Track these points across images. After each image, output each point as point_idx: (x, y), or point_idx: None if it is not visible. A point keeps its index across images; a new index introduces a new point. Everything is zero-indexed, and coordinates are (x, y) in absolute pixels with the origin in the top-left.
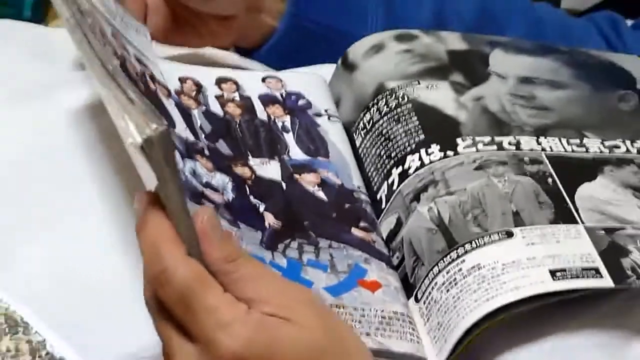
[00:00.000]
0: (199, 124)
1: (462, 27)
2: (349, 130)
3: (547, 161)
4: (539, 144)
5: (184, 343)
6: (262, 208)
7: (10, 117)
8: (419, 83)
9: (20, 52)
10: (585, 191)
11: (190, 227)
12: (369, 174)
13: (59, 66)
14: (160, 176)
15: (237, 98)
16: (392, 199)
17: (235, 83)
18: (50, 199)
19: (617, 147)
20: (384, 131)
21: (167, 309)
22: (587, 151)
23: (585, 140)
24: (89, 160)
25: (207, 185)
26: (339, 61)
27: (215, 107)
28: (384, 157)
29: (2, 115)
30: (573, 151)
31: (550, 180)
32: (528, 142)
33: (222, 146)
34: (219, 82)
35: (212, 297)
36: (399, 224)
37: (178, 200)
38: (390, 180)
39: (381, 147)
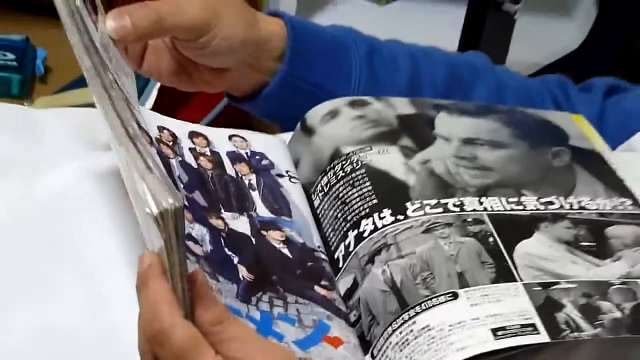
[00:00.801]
0: (177, 174)
1: (434, 92)
2: (307, 191)
3: (488, 221)
4: (481, 204)
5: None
6: (236, 260)
7: None
8: (371, 149)
9: (5, 132)
10: (523, 249)
11: (185, 290)
12: (327, 234)
13: (45, 147)
14: (168, 245)
15: (208, 153)
16: (349, 260)
17: (206, 138)
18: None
19: (552, 203)
20: (340, 195)
21: (152, 342)
22: (524, 209)
23: (523, 199)
24: (72, 228)
25: (189, 236)
26: (298, 125)
27: (190, 159)
28: (341, 219)
29: None
30: (512, 210)
31: (491, 239)
32: (471, 203)
33: (199, 197)
34: (192, 135)
35: (203, 357)
36: (355, 284)
37: (180, 267)
38: (347, 242)
39: (338, 210)
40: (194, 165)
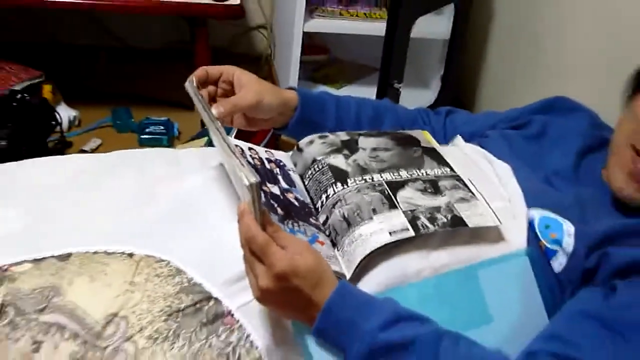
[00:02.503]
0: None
1: (366, 124)
2: (301, 177)
3: (385, 184)
4: (381, 177)
5: (259, 265)
6: (275, 205)
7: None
8: (329, 156)
9: (163, 163)
10: (401, 194)
11: (259, 219)
12: (312, 196)
13: (184, 167)
14: (253, 200)
15: (257, 157)
16: (323, 207)
17: (256, 152)
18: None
19: (413, 174)
20: (316, 178)
21: (252, 252)
22: (400, 177)
23: (400, 172)
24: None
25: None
26: (295, 147)
27: (251, 160)
28: (318, 189)
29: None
30: (395, 179)
31: (386, 192)
32: (377, 177)
33: (262, 177)
34: (249, 149)
35: (271, 247)
36: (326, 218)
37: (258, 207)
38: (321, 199)
39: (316, 185)
40: (252, 162)
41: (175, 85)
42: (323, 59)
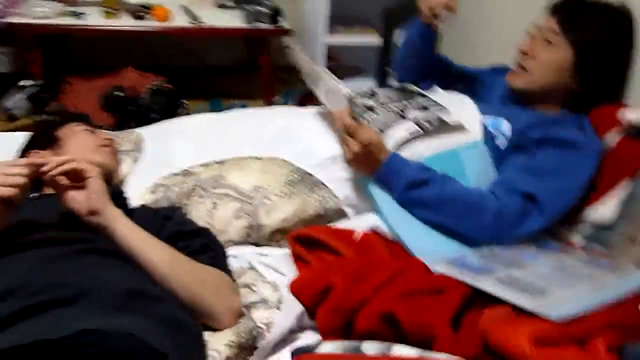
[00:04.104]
0: None
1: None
2: None
3: (397, 109)
4: (393, 106)
5: (351, 139)
6: None
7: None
8: (363, 99)
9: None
10: (406, 113)
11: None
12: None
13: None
14: (349, 107)
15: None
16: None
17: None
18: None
19: (411, 103)
20: (357, 113)
21: (348, 132)
22: (404, 106)
23: (403, 102)
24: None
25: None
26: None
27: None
28: (358, 116)
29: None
30: (401, 107)
31: (399, 112)
32: (391, 106)
33: None
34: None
35: (359, 128)
36: None
37: (350, 113)
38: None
39: (357, 114)
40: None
41: (244, 87)
42: (333, 63)
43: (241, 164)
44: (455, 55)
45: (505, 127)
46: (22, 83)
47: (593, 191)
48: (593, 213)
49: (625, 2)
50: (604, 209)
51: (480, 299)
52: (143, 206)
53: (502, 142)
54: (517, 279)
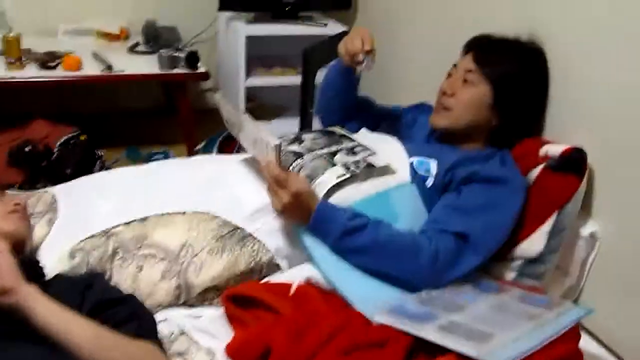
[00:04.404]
0: None
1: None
2: None
3: (325, 154)
4: (322, 151)
5: (281, 189)
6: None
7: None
8: (288, 145)
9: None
10: (336, 158)
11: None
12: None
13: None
14: (277, 155)
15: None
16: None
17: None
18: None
19: (338, 147)
20: (284, 158)
21: (277, 183)
22: (331, 150)
23: (331, 147)
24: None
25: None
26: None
27: None
28: (287, 163)
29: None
30: (329, 151)
31: (327, 158)
32: (319, 152)
33: None
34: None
35: (290, 177)
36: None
37: (279, 161)
38: (291, 169)
39: (284, 161)
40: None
41: (163, 132)
42: (253, 104)
43: (166, 221)
44: (374, 94)
45: (433, 166)
46: None
47: (522, 226)
48: (523, 248)
49: (535, 38)
50: (533, 243)
51: (425, 348)
52: (59, 275)
53: (430, 182)
54: (458, 324)
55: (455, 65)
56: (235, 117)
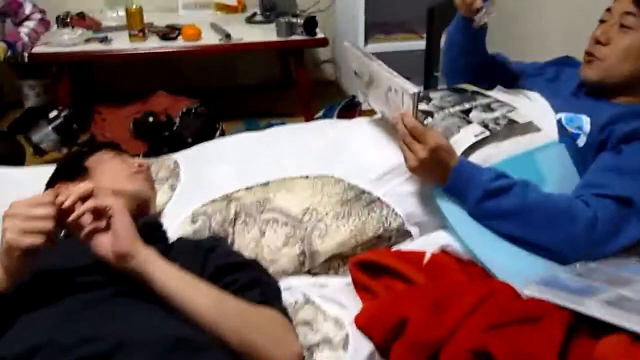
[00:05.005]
0: None
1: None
2: None
3: (458, 112)
4: (454, 109)
5: (417, 144)
6: None
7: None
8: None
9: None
10: (471, 115)
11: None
12: None
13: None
14: (414, 105)
15: None
16: None
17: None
18: None
19: (472, 104)
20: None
21: (413, 136)
22: (465, 107)
23: (464, 104)
24: None
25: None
26: None
27: None
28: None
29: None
30: (462, 108)
31: (461, 116)
32: (451, 109)
33: None
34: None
35: (427, 131)
36: None
37: (416, 112)
38: None
39: None
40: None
41: (280, 105)
42: None
43: (288, 185)
44: (507, 52)
45: (585, 123)
46: (50, 115)
47: None
48: None
49: None
50: None
51: (587, 327)
52: (181, 239)
53: (582, 140)
54: (629, 299)
55: (609, 10)
56: (365, 65)
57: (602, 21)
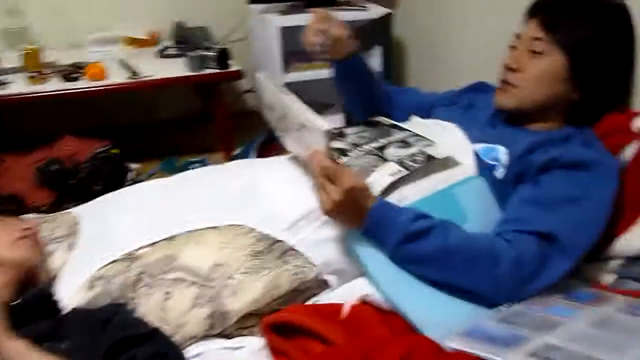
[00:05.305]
0: None
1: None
2: None
3: (374, 150)
4: (369, 146)
5: (331, 185)
6: None
7: None
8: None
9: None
10: (386, 153)
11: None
12: None
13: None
14: (326, 143)
15: None
16: None
17: None
18: None
19: (388, 139)
20: None
21: (327, 177)
22: (380, 143)
23: (380, 140)
24: None
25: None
26: None
27: None
28: None
29: None
30: (378, 145)
31: (376, 154)
32: (366, 147)
33: None
34: None
35: (341, 171)
36: None
37: (328, 150)
38: None
39: None
40: None
41: (200, 141)
42: None
43: (196, 238)
44: (426, 85)
45: (502, 154)
46: None
47: (618, 218)
48: (622, 244)
49: None
50: (633, 237)
51: None
52: (75, 310)
53: (500, 173)
54: (555, 348)
55: (518, 36)
56: (278, 99)
57: (512, 47)
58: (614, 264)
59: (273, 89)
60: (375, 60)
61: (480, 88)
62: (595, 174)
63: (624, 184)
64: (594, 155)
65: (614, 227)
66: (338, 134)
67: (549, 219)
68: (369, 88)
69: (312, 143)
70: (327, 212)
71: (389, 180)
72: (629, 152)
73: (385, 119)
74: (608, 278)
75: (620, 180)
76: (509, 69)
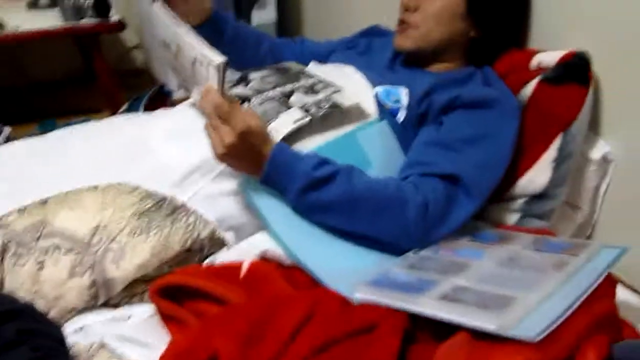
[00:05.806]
0: None
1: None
2: None
3: (279, 94)
4: (274, 91)
5: (224, 126)
6: None
7: None
8: (231, 89)
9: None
10: (292, 99)
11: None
12: None
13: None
14: (219, 78)
15: None
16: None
17: None
18: None
19: (295, 85)
20: None
21: (220, 116)
22: (286, 89)
23: (286, 86)
24: None
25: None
26: None
27: None
28: None
29: None
30: (283, 90)
31: (281, 99)
32: (271, 93)
33: None
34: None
35: (235, 111)
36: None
37: (222, 87)
38: None
39: None
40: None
41: (83, 101)
42: None
43: (72, 201)
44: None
45: (403, 96)
46: None
47: (520, 157)
48: (524, 183)
49: None
50: (536, 176)
51: (428, 329)
52: None
53: (402, 115)
54: (465, 289)
55: None
56: (172, 33)
57: None
58: (518, 203)
59: (168, 19)
60: (270, 10)
61: (375, 32)
62: (497, 113)
63: (524, 121)
64: (495, 93)
65: (516, 166)
66: (241, 79)
67: (453, 160)
68: (243, 47)
69: (207, 80)
70: (219, 157)
71: (292, 126)
72: (528, 90)
73: (295, 64)
74: (512, 217)
75: (521, 118)
76: (407, 9)
